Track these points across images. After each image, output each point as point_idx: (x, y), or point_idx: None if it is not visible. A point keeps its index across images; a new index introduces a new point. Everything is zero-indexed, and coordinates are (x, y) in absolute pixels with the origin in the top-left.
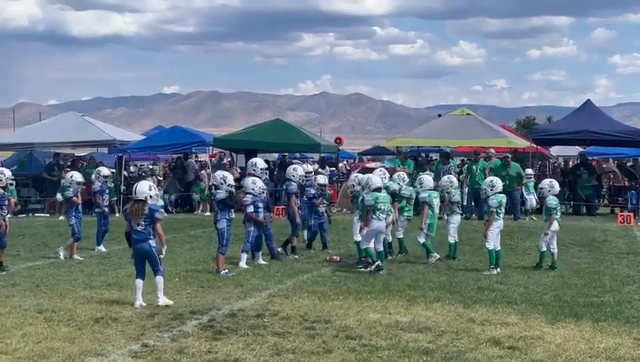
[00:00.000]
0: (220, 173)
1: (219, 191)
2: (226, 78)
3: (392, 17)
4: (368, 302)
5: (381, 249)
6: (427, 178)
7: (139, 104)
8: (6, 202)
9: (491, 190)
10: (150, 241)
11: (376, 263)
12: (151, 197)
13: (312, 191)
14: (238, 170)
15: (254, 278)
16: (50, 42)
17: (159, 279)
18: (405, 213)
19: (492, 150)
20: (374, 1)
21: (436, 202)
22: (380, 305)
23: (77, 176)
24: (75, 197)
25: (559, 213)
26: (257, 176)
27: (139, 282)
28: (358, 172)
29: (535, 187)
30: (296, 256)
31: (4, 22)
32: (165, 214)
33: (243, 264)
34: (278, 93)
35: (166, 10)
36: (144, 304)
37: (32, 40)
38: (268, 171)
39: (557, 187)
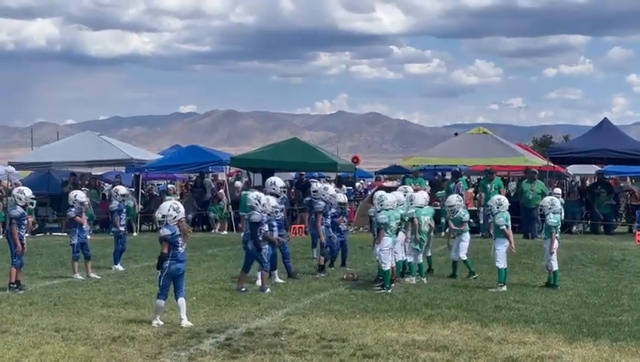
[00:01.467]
0: (253, 194)
1: (254, 212)
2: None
3: (408, 36)
4: (385, 320)
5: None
6: (390, 197)
7: (156, 123)
8: (25, 221)
9: (497, 208)
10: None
11: (388, 290)
12: (165, 217)
13: (333, 210)
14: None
15: (271, 297)
16: (68, 62)
17: (182, 301)
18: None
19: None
20: (390, 20)
21: (424, 220)
22: (397, 324)
23: (80, 196)
24: (77, 217)
25: (559, 232)
26: (276, 195)
27: (162, 302)
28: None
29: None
30: (323, 274)
31: (23, 42)
32: (169, 233)
33: (260, 283)
34: (295, 113)
35: (183, 30)
36: (161, 323)
37: (50, 60)
38: (286, 190)
39: (558, 205)
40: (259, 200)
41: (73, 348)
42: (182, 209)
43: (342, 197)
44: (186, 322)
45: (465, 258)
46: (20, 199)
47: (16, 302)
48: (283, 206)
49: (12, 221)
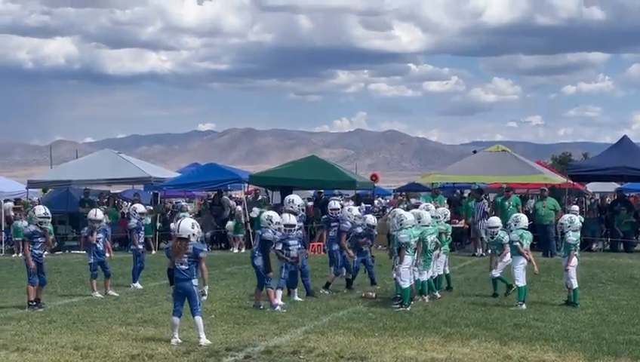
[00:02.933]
0: (265, 214)
1: (266, 230)
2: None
3: (426, 54)
4: (404, 338)
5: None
6: (409, 216)
7: (174, 141)
8: (37, 239)
9: (514, 225)
10: (193, 281)
11: (407, 308)
12: (194, 235)
13: (360, 230)
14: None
15: (290, 315)
16: (87, 80)
17: (198, 319)
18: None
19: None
20: (409, 39)
21: (430, 239)
22: (416, 342)
23: (98, 215)
24: (90, 237)
25: (578, 250)
26: (294, 213)
27: (176, 320)
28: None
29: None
30: (327, 292)
31: (41, 61)
32: (207, 252)
33: (278, 300)
34: (313, 130)
35: (201, 48)
36: (180, 341)
37: (69, 78)
38: (305, 208)
39: (577, 223)
40: (271, 220)
41: None
42: (183, 226)
43: (372, 220)
44: (204, 340)
45: (497, 275)
46: (32, 218)
47: (36, 319)
48: (301, 224)
49: (24, 239)
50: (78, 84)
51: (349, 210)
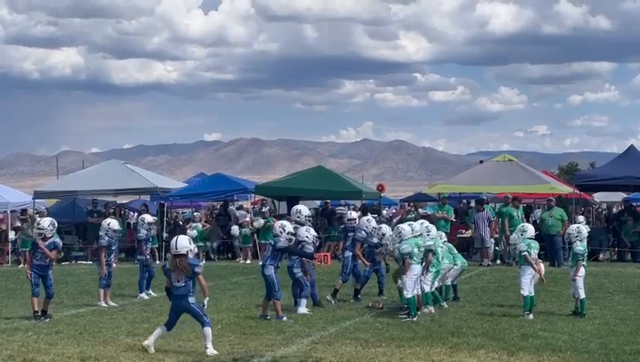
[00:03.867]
0: (279, 223)
1: (279, 239)
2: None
3: (432, 64)
4: (411, 349)
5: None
6: (407, 228)
7: (180, 151)
8: (39, 250)
9: (521, 235)
10: (190, 298)
11: (413, 318)
12: (191, 251)
13: (375, 240)
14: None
15: (297, 325)
16: (93, 91)
17: (207, 330)
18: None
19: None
20: (414, 48)
21: (440, 250)
22: (423, 352)
23: (115, 224)
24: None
25: (585, 260)
26: (301, 223)
27: (163, 329)
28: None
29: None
30: (333, 301)
31: (47, 71)
32: (203, 267)
33: (303, 309)
34: (320, 140)
35: (206, 58)
36: (153, 351)
37: (75, 89)
38: (312, 218)
39: (585, 233)
40: (284, 228)
41: None
42: (181, 243)
43: (386, 229)
44: (211, 350)
45: (525, 294)
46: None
47: (42, 330)
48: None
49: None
50: (84, 95)
51: (367, 220)
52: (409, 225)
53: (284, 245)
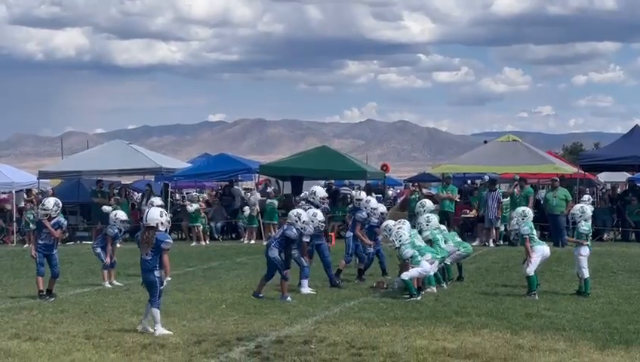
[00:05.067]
0: (294, 211)
1: (290, 228)
2: (271, 105)
3: (436, 44)
4: (415, 328)
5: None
6: (405, 232)
7: (185, 132)
8: (44, 230)
9: (523, 219)
10: (155, 272)
11: (417, 297)
12: (162, 223)
13: (375, 220)
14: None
15: (301, 305)
16: (97, 71)
17: (155, 311)
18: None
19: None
20: (418, 29)
21: (440, 237)
22: (427, 332)
23: (121, 215)
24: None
25: (590, 239)
26: (316, 205)
27: (148, 306)
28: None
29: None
30: (337, 281)
31: (51, 52)
32: (172, 243)
33: (306, 289)
34: (324, 121)
35: (211, 39)
36: (149, 330)
37: (79, 69)
38: (329, 200)
39: (589, 213)
40: (299, 217)
41: (104, 356)
42: (150, 215)
43: (383, 208)
44: (159, 331)
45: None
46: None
47: (48, 309)
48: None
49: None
50: (89, 75)
51: (367, 201)
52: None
53: (294, 236)
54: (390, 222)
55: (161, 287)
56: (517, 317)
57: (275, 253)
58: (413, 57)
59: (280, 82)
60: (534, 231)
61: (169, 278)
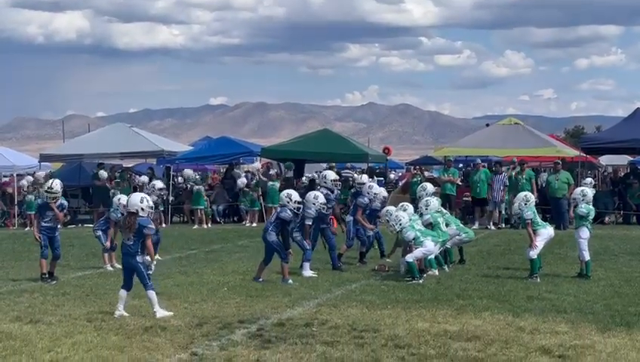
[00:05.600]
0: (285, 192)
1: (284, 209)
2: (272, 88)
3: (438, 28)
4: (417, 311)
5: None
6: (404, 215)
7: (186, 115)
8: (47, 212)
9: (525, 205)
10: (138, 257)
11: (419, 280)
12: (142, 209)
13: (378, 204)
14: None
15: (302, 287)
16: (98, 55)
17: (150, 293)
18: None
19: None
20: (420, 12)
21: (440, 220)
22: (429, 314)
23: (124, 200)
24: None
25: (591, 222)
26: (330, 189)
27: (123, 292)
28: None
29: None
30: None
31: (52, 35)
32: (154, 229)
33: (307, 272)
34: (325, 104)
35: (212, 22)
36: (125, 314)
37: (80, 52)
38: (339, 183)
39: (590, 195)
40: (290, 198)
41: (105, 338)
42: (132, 201)
43: (385, 193)
44: (159, 313)
45: (534, 257)
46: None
47: (49, 292)
48: (333, 200)
49: (35, 213)
50: (90, 59)
51: (369, 186)
52: (404, 210)
53: (288, 217)
54: (391, 208)
55: (149, 272)
56: (518, 300)
57: (272, 236)
58: (415, 40)
59: (281, 65)
60: (537, 216)
61: (155, 262)
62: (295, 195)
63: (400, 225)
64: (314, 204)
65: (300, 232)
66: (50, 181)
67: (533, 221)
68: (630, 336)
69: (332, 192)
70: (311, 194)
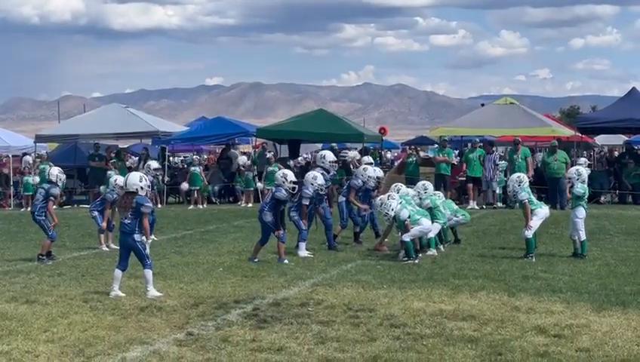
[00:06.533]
0: (280, 172)
1: (279, 188)
2: (268, 69)
3: (433, 7)
4: (412, 290)
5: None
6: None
7: (182, 96)
8: (51, 197)
9: (519, 186)
10: (135, 236)
11: (415, 260)
12: (142, 188)
13: (372, 184)
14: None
15: (298, 267)
16: (93, 35)
17: (147, 272)
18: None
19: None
20: None
21: (439, 202)
22: (425, 294)
23: (120, 181)
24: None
25: (586, 201)
26: (326, 170)
27: (118, 272)
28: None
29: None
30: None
31: (47, 16)
32: (151, 207)
33: (303, 252)
34: (321, 84)
35: (207, 2)
36: (121, 294)
37: (75, 33)
38: (337, 164)
39: (585, 175)
40: (286, 178)
41: (101, 318)
42: (130, 180)
43: (380, 173)
44: (151, 293)
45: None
46: (61, 179)
47: (45, 272)
48: (328, 180)
49: (50, 198)
50: (85, 39)
51: (364, 169)
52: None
53: (283, 197)
54: (381, 198)
55: (146, 251)
56: (514, 280)
57: (268, 216)
58: (411, 20)
59: (277, 46)
60: (532, 195)
61: (149, 242)
62: (291, 175)
63: (392, 210)
64: (312, 184)
65: (297, 212)
66: (58, 174)
67: (530, 201)
68: (625, 316)
69: (328, 173)
70: (310, 174)
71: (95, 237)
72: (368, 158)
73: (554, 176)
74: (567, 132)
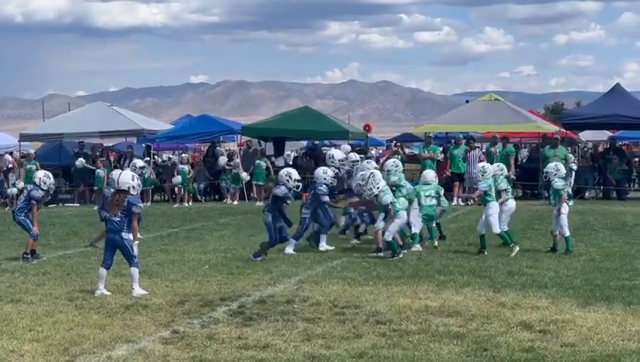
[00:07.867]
0: (285, 170)
1: (280, 186)
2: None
3: (417, 4)
4: (398, 287)
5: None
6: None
7: (167, 94)
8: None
9: (482, 175)
10: (123, 234)
11: (399, 256)
12: (133, 187)
13: (347, 168)
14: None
15: (283, 265)
16: (78, 34)
17: (134, 270)
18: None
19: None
20: None
21: (425, 194)
22: (410, 290)
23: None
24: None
25: (571, 196)
26: (336, 168)
27: (102, 271)
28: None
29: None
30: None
31: (31, 14)
32: (142, 208)
33: (290, 250)
34: (306, 82)
35: (192, 0)
36: (106, 293)
37: (59, 32)
38: (345, 163)
39: (563, 170)
40: (290, 176)
41: (87, 317)
42: (123, 178)
43: (353, 156)
44: (137, 291)
45: (498, 231)
46: (45, 183)
47: (30, 271)
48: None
49: (32, 201)
50: (70, 38)
51: (324, 171)
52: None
53: (282, 193)
54: (365, 173)
55: (133, 252)
56: (499, 276)
57: (268, 217)
58: (395, 17)
59: (261, 43)
60: (493, 188)
61: (137, 241)
62: (295, 174)
63: (377, 188)
64: (324, 179)
65: (309, 209)
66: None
67: (487, 193)
68: (610, 311)
69: (339, 171)
70: (319, 170)
71: (80, 235)
72: (351, 156)
73: None
74: (551, 128)
